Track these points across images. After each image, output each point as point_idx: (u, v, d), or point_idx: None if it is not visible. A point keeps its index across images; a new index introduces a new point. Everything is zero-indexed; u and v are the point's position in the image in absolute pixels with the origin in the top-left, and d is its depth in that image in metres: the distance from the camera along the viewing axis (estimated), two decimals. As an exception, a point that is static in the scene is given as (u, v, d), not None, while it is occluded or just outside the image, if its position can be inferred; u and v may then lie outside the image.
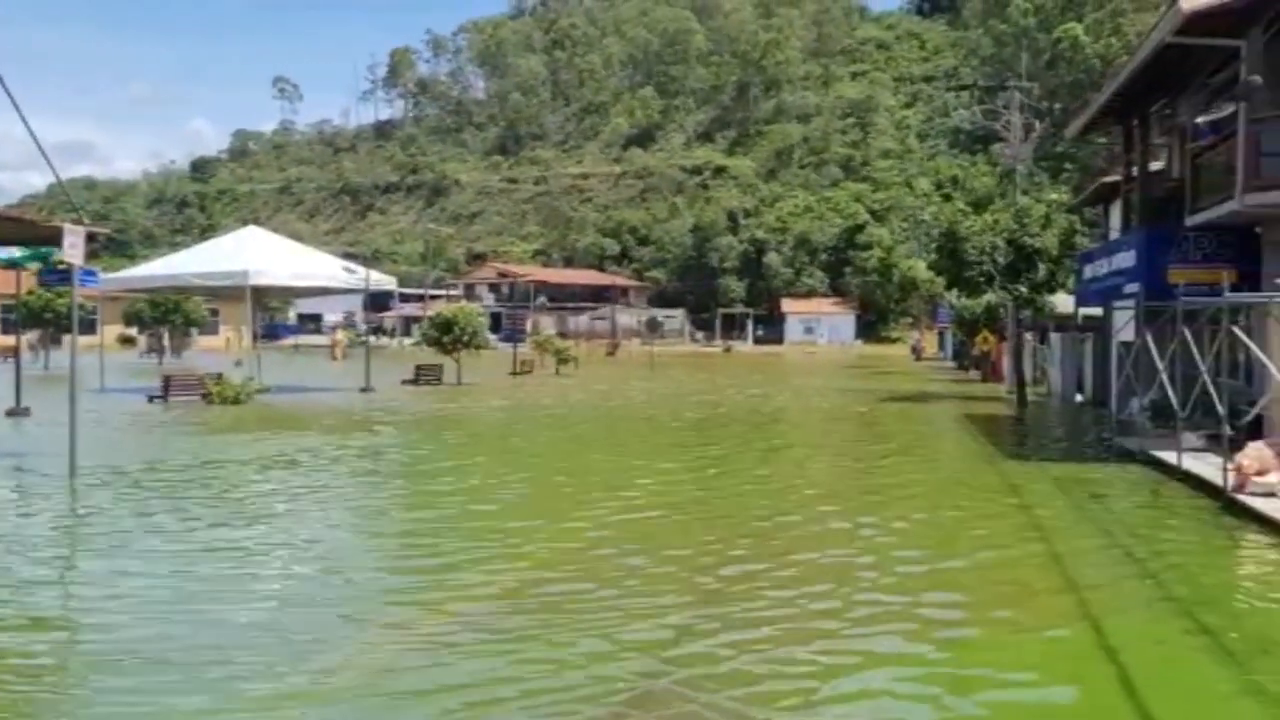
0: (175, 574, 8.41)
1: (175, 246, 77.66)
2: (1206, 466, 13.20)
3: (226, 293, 32.08)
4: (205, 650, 6.42)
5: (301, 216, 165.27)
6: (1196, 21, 14.89)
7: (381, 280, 32.37)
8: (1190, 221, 18.02)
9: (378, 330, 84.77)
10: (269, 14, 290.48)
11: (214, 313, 64.64)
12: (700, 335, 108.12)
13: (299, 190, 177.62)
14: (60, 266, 20.99)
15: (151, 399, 25.02)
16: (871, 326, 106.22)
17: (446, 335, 34.02)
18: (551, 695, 5.68)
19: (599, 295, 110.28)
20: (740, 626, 6.96)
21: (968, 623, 7.26)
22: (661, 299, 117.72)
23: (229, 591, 7.84)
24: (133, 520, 10.53)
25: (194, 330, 57.01)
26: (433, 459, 16.03)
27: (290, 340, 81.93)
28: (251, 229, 32.92)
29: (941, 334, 66.08)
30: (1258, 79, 14.56)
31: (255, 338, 36.57)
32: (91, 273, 23.15)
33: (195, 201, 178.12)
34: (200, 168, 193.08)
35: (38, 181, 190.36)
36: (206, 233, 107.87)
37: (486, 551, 9.24)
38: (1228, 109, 17.05)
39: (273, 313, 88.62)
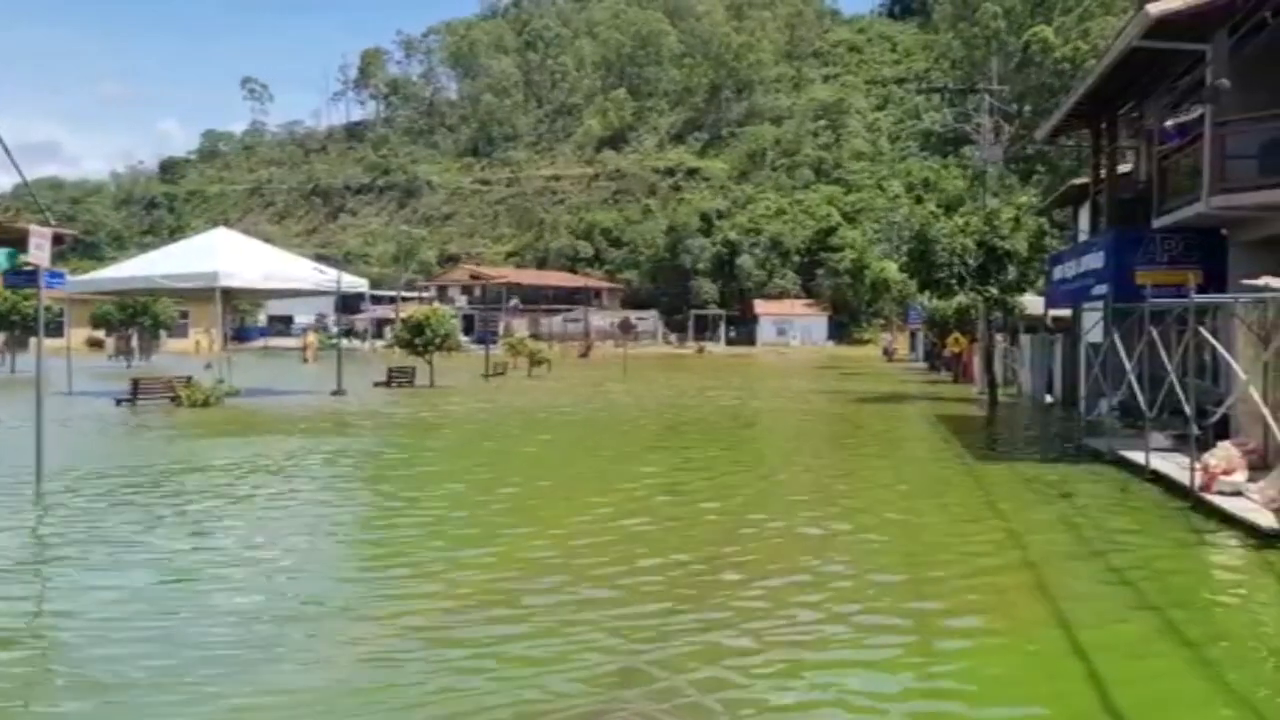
0: (140, 585, 8.26)
1: (144, 248, 76.93)
2: (1174, 466, 13.33)
3: (196, 295, 31.82)
4: (168, 667, 6.34)
5: (272, 218, 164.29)
6: (1163, 26, 15.03)
7: (353, 282, 32.18)
8: (1158, 223, 18.20)
9: (349, 332, 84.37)
10: (239, 14, 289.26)
11: (183, 315, 64.00)
12: (673, 337, 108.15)
13: (269, 192, 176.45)
14: (26, 268, 20.72)
15: (119, 402, 24.77)
16: (843, 328, 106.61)
17: (419, 337, 33.89)
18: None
19: (572, 297, 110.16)
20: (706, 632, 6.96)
21: (937, 624, 7.28)
22: (634, 300, 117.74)
23: (189, 605, 7.73)
24: (96, 529, 10.35)
25: (163, 333, 56.47)
26: (402, 465, 15.93)
27: (260, 342, 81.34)
28: (221, 230, 32.66)
29: (913, 335, 66.47)
30: (1224, 82, 14.72)
31: (225, 340, 36.29)
32: (58, 274, 22.85)
33: (164, 203, 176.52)
34: (169, 168, 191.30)
35: (3, 181, 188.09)
36: (176, 234, 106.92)
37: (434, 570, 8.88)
38: (1194, 112, 17.24)
39: (243, 315, 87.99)
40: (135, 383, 25.68)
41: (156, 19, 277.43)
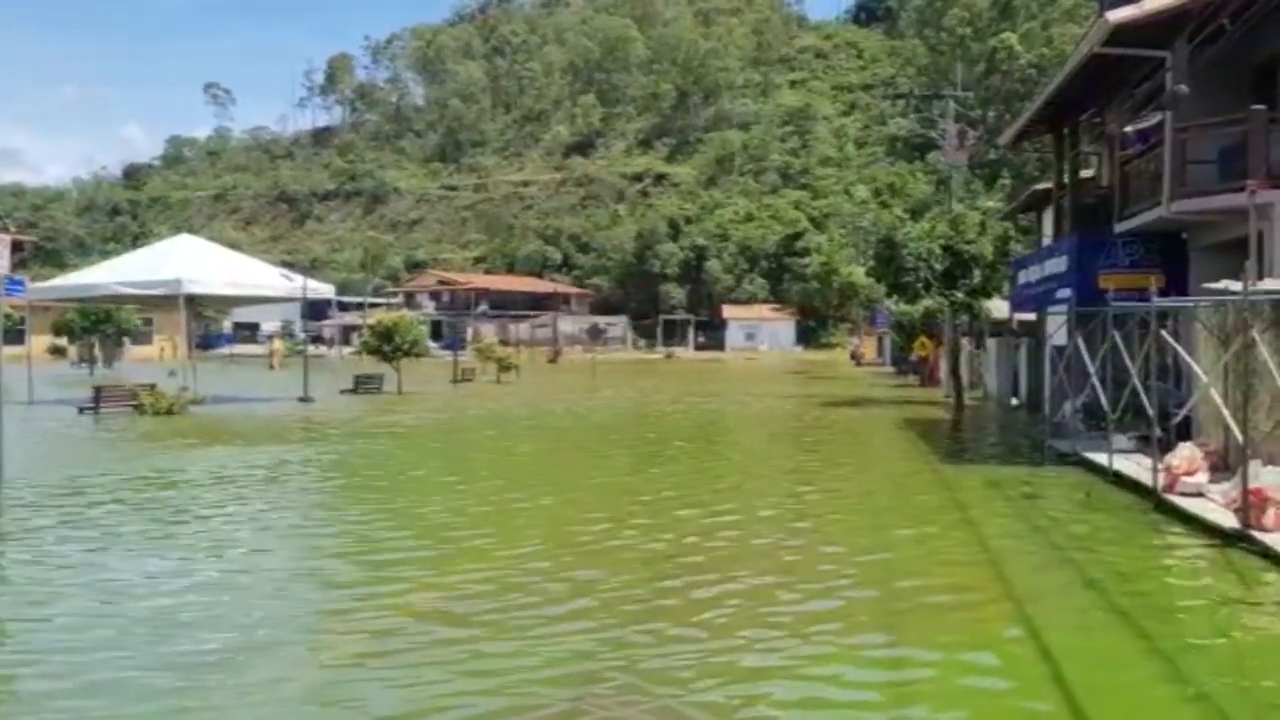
0: (98, 600, 8.04)
1: (107, 255, 76.04)
2: (1137, 467, 13.46)
3: (160, 302, 31.46)
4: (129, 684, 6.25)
5: (238, 224, 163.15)
6: (1123, 33, 15.22)
7: (319, 288, 31.96)
8: (1119, 228, 18.39)
9: (316, 339, 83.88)
10: (201, 19, 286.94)
11: (147, 322, 63.45)
12: (642, 342, 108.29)
13: (235, 198, 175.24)
14: (-15, 276, 20.46)
15: (82, 410, 24.44)
16: (811, 332, 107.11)
17: (386, 344, 33.70)
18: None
19: (540, 303, 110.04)
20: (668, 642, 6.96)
21: (902, 622, 7.30)
22: (603, 306, 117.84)
23: (150, 619, 7.62)
24: (54, 541, 10.19)
25: (127, 340, 55.91)
26: (368, 472, 15.81)
27: (226, 350, 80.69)
28: (186, 237, 32.32)
29: (880, 339, 66.83)
30: (1183, 88, 14.90)
31: (190, 347, 35.95)
32: (18, 282, 22.55)
33: (128, 209, 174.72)
34: (133, 174, 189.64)
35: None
36: (139, 241, 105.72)
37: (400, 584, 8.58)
38: (1155, 118, 17.44)
39: (208, 322, 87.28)
40: (98, 391, 25.36)
41: (115, 23, 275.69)
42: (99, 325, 50.13)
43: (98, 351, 51.22)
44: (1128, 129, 18.72)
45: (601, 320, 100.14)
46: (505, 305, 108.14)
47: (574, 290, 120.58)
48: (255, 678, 6.10)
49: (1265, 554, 9.15)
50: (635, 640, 6.79)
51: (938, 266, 27.67)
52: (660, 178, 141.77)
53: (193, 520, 11.38)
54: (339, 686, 6.00)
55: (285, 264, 50.75)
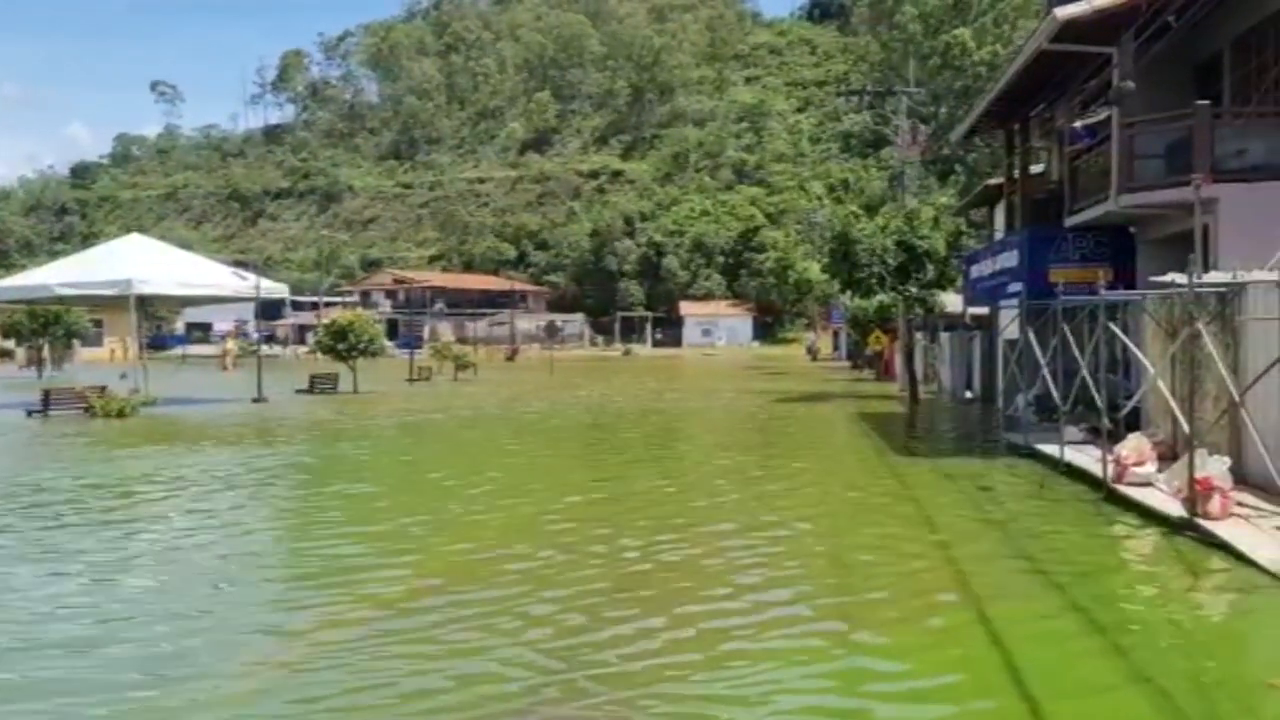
0: (43, 612, 7.83)
1: (55, 255, 74.86)
2: (1088, 459, 13.67)
3: (110, 303, 31.00)
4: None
5: (189, 223, 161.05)
6: (1071, 29, 15.42)
7: (273, 288, 31.63)
8: (1069, 222, 18.65)
9: (270, 339, 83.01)
10: (147, 16, 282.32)
11: (97, 324, 62.46)
12: (600, 339, 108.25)
13: (185, 196, 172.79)
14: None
15: (30, 413, 24.06)
16: (768, 328, 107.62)
17: (341, 343, 33.44)
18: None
19: (497, 301, 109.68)
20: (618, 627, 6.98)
21: (856, 613, 7.37)
22: (560, 303, 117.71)
23: (92, 631, 7.53)
24: None
25: (77, 342, 54.99)
26: (321, 475, 15.71)
27: (179, 350, 79.65)
28: (135, 236, 31.86)
29: (836, 334, 67.31)
30: (1129, 84, 15.13)
31: (141, 348, 35.42)
32: (-37, 283, 22.21)
33: (76, 209, 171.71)
34: (81, 173, 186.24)
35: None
36: (88, 241, 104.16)
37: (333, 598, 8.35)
38: (1102, 113, 17.70)
39: (159, 323, 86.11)
40: (46, 393, 24.96)
41: (56, 22, 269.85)
42: (48, 327, 49.22)
43: (46, 354, 50.34)
44: (1076, 124, 18.98)
45: (559, 318, 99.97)
46: (462, 303, 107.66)
47: (531, 288, 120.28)
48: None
49: (1210, 542, 9.33)
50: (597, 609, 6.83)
51: (892, 262, 27.89)
52: (616, 175, 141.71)
53: (120, 524, 11.25)
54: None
55: (238, 263, 50.11)
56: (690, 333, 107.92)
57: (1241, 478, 11.07)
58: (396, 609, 7.53)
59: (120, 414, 23.91)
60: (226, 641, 6.85)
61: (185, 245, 47.66)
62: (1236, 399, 10.41)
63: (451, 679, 6.01)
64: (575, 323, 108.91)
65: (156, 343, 78.30)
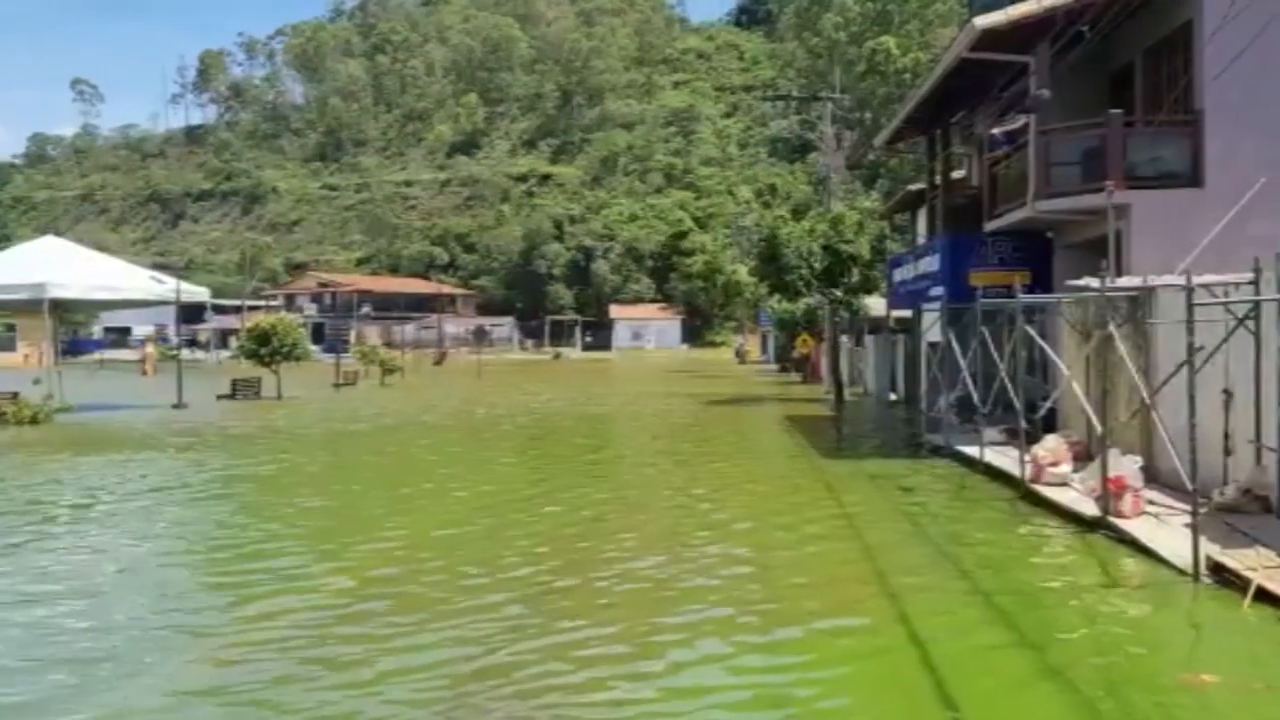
0: None
1: (-35, 258, 72.70)
2: (1007, 459, 13.94)
3: (23, 307, 30.15)
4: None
5: (107, 225, 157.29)
6: (990, 38, 15.72)
7: (193, 291, 30.97)
8: (989, 227, 19.00)
9: (192, 343, 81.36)
10: (63, 13, 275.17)
11: (10, 328, 60.84)
12: (529, 343, 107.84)
13: (103, 198, 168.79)
14: None
15: (-62, 421, 23.32)
16: (697, 331, 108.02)
17: (264, 347, 32.80)
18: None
19: (425, 304, 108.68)
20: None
21: (776, 612, 7.44)
22: (490, 307, 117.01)
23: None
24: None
25: (-12, 347, 53.54)
26: (234, 484, 15.44)
27: (96, 355, 77.72)
28: (50, 238, 31.03)
29: (764, 337, 67.77)
30: (1044, 92, 15.43)
31: (56, 354, 34.50)
32: None
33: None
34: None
35: None
36: (1, 244, 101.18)
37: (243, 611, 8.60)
38: (1020, 120, 18.07)
39: (76, 327, 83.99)
40: (-45, 401, 24.21)
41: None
42: (-43, 332, 47.86)
43: (-44, 359, 48.90)
44: (995, 131, 19.35)
45: (488, 321, 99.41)
46: (389, 307, 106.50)
47: (460, 291, 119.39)
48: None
49: (1122, 539, 9.57)
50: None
51: (818, 265, 28.19)
52: (545, 178, 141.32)
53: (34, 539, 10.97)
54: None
55: (158, 266, 49.20)
56: (620, 336, 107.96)
57: (1153, 476, 11.38)
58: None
59: (33, 421, 23.29)
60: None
61: (103, 248, 46.54)
62: (1148, 400, 10.68)
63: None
64: (505, 326, 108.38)
65: (73, 348, 76.44)
